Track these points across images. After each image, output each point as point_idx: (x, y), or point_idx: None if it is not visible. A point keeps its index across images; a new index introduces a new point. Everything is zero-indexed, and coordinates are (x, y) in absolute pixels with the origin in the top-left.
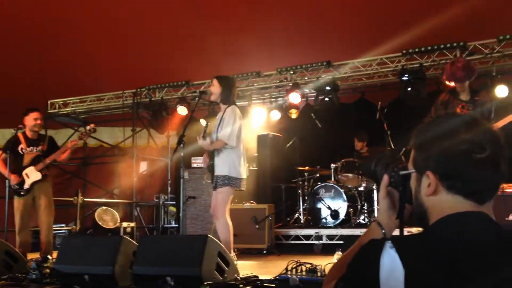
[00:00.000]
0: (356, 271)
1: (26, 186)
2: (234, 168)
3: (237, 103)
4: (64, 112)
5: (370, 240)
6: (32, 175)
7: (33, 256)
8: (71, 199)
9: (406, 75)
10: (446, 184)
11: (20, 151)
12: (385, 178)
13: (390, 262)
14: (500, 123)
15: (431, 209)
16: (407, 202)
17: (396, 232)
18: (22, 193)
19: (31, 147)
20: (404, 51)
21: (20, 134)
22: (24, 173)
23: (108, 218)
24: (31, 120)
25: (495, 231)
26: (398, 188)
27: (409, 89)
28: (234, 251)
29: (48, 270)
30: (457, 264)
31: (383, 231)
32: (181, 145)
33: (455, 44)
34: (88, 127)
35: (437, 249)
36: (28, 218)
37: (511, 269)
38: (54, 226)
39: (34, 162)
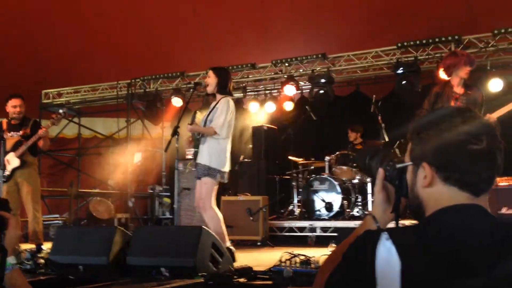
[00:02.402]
0: (352, 260)
1: (6, 172)
2: (216, 159)
3: (232, 95)
4: (58, 102)
5: (366, 231)
6: (12, 161)
7: (27, 246)
8: (66, 189)
9: (401, 68)
10: (443, 175)
11: (3, 137)
12: (381, 172)
13: (387, 254)
14: (496, 114)
15: (426, 201)
16: (403, 196)
17: (391, 226)
18: (4, 179)
19: (12, 132)
20: (399, 44)
21: (4, 120)
22: (6, 159)
23: (102, 208)
24: (10, 107)
25: (491, 224)
26: (394, 181)
27: (403, 82)
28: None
29: (42, 261)
30: (454, 257)
31: (377, 224)
32: (176, 137)
33: (450, 38)
34: (60, 111)
35: (433, 241)
36: (15, 206)
37: (506, 263)
38: (48, 216)
39: (14, 148)
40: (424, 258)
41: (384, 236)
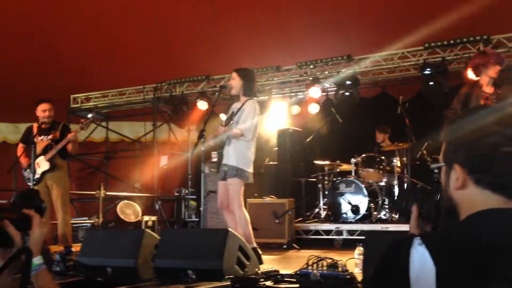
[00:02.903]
0: (385, 268)
1: (36, 175)
2: (243, 160)
3: (257, 97)
4: (86, 106)
5: (398, 237)
6: (42, 164)
7: (57, 248)
8: (94, 192)
9: (428, 69)
10: (474, 177)
11: (34, 141)
12: (414, 209)
13: (420, 259)
14: None
15: (460, 204)
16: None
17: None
18: (34, 182)
19: (42, 136)
20: (426, 45)
21: (34, 124)
22: (36, 162)
23: (129, 211)
24: (40, 111)
25: None
26: (430, 217)
27: (431, 83)
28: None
29: (71, 263)
30: (490, 263)
31: None
32: (202, 140)
33: (478, 38)
34: (89, 115)
35: (466, 246)
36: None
37: None
38: (77, 219)
39: (44, 151)
40: (458, 262)
41: (417, 241)
